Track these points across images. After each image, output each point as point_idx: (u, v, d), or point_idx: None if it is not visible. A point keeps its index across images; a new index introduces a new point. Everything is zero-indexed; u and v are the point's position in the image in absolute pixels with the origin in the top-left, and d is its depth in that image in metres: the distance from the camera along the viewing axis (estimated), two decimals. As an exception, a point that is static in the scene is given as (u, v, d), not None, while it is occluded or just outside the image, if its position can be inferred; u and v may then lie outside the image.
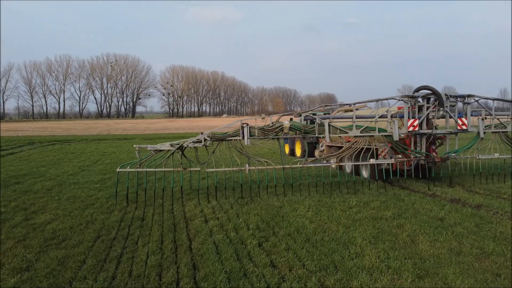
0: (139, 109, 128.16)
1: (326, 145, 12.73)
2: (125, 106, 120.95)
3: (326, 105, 12.62)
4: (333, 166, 11.06)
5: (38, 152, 20.02)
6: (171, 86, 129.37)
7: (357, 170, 11.41)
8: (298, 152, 17.01)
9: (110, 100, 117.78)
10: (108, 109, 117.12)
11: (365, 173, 11.16)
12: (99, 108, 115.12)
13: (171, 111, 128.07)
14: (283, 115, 9.83)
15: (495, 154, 10.43)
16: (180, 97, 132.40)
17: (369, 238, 5.77)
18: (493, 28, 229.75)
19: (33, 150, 21.56)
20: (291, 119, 14.04)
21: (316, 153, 13.88)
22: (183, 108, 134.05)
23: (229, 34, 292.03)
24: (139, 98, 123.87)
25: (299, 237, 5.89)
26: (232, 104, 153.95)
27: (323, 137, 9.72)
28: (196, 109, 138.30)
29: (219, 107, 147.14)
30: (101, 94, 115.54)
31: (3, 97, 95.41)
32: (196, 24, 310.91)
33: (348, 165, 11.31)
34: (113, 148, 22.69)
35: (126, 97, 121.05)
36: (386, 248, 5.35)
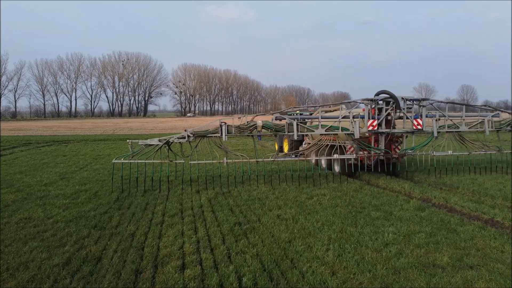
0: (151, 107, 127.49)
1: (308, 142, 13.81)
2: (137, 105, 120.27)
3: (295, 107, 16.10)
4: (313, 161, 13.01)
5: (27, 155, 18.32)
6: (183, 84, 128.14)
7: (330, 165, 12.32)
8: (285, 149, 17.83)
9: (122, 98, 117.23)
10: (120, 108, 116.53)
11: (337, 168, 12.05)
12: (111, 107, 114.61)
13: (183, 110, 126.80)
14: (256, 115, 10.92)
15: (449, 151, 11.46)
16: (192, 96, 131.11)
17: (427, 312, 3.66)
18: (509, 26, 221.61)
19: (24, 152, 19.90)
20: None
21: (301, 149, 14.75)
22: (195, 106, 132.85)
23: (242, 33, 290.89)
24: (151, 97, 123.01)
25: (316, 306, 3.81)
26: (244, 103, 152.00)
27: (305, 136, 12.11)
28: (208, 107, 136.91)
29: (231, 106, 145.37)
30: (112, 93, 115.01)
31: (15, 96, 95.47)
32: (210, 23, 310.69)
33: (323, 160, 12.43)
34: (111, 150, 20.87)
35: (138, 96, 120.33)
36: None
